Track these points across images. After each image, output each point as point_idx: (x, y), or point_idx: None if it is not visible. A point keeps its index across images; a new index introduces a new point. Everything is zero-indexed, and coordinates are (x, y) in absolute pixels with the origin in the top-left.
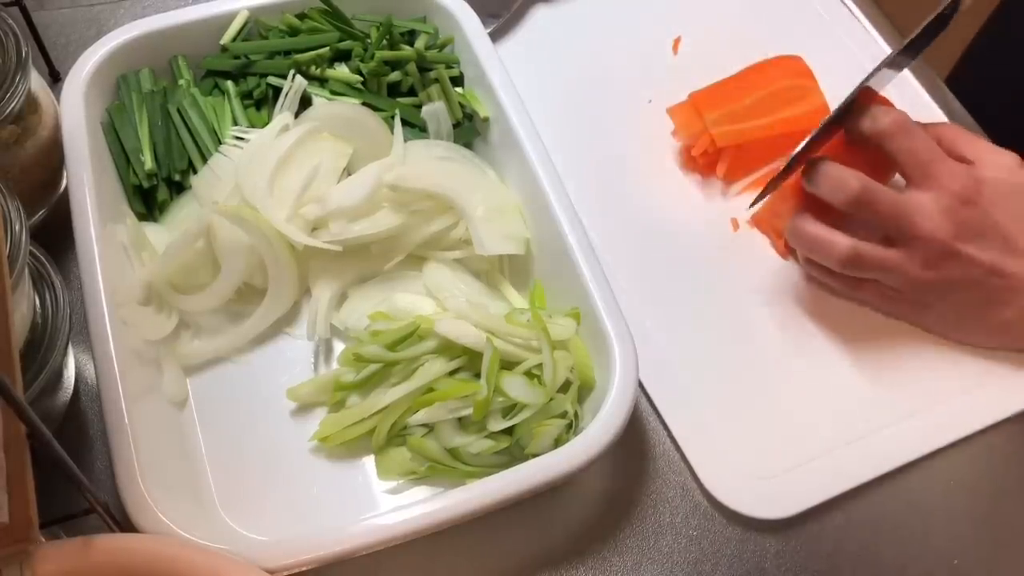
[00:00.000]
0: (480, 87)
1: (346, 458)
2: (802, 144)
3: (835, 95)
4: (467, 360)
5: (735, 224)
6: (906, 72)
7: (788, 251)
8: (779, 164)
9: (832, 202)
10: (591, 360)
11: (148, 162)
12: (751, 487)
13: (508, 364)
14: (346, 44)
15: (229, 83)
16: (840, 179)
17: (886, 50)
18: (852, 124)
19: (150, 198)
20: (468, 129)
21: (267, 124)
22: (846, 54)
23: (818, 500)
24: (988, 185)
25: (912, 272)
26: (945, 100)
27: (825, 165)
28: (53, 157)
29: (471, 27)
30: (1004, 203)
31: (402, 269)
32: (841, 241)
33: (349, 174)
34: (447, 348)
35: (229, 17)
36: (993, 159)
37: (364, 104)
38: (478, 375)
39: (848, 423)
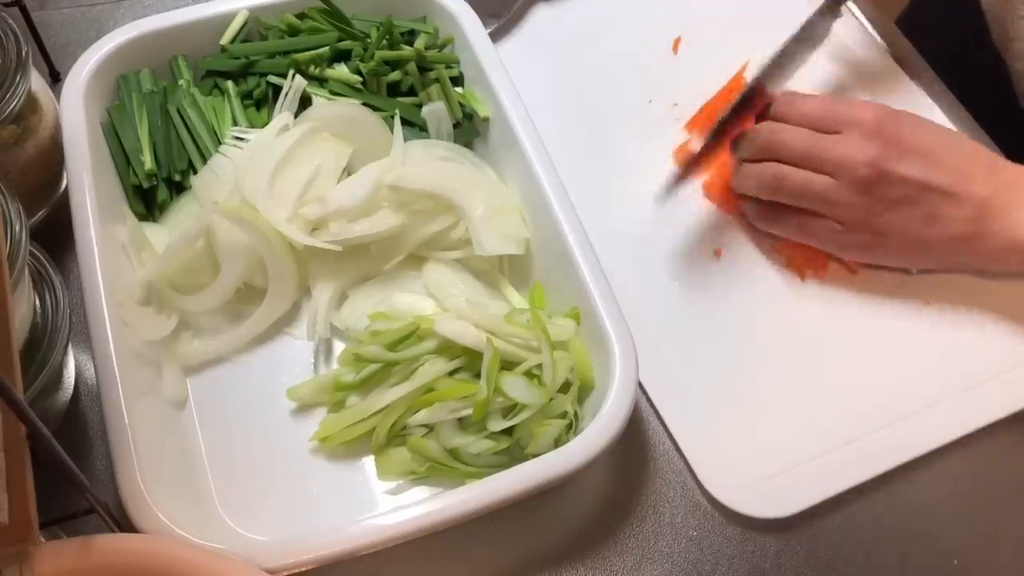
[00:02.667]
0: (480, 87)
1: (346, 458)
2: (713, 130)
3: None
4: (467, 360)
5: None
6: (858, 15)
7: (736, 207)
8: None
9: (763, 193)
10: (591, 360)
11: (148, 162)
12: (750, 487)
13: (508, 364)
14: (346, 44)
15: (229, 83)
16: (757, 174)
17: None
18: (736, 154)
19: (150, 198)
20: (468, 129)
21: (267, 124)
22: (845, 52)
23: (818, 500)
24: (894, 113)
25: (845, 197)
26: (897, 42)
27: (742, 170)
28: (53, 157)
29: (471, 27)
30: (913, 125)
31: (402, 269)
32: (767, 167)
33: (349, 174)
34: (447, 348)
35: (229, 17)
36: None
37: (364, 104)
38: (478, 375)
39: (848, 423)
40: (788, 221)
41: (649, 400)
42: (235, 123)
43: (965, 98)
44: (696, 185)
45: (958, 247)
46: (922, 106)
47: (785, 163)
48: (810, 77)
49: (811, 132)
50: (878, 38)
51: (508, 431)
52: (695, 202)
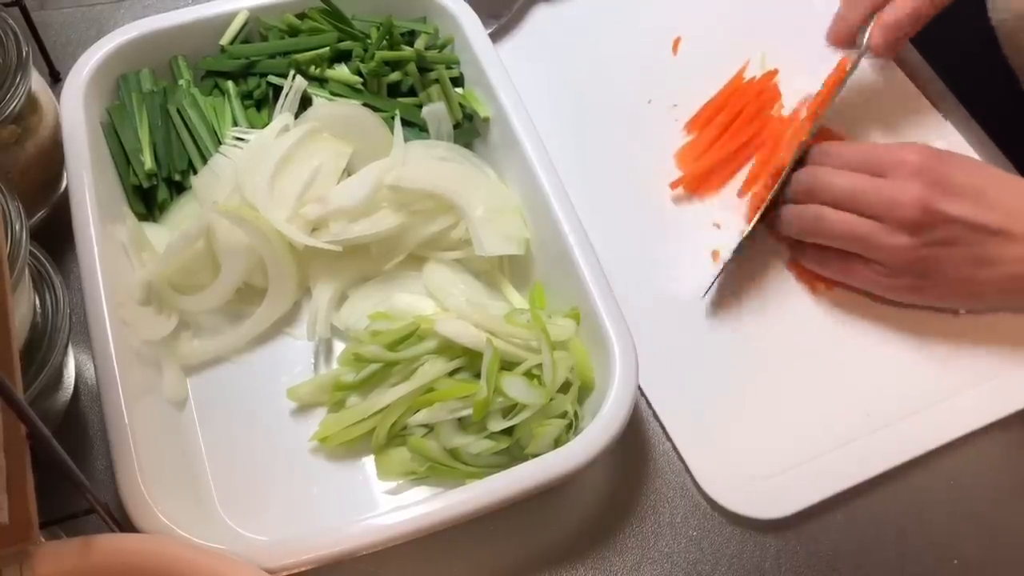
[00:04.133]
0: (480, 87)
1: (346, 458)
2: (766, 204)
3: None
4: (467, 360)
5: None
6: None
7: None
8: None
9: (804, 236)
10: (591, 360)
11: (148, 162)
12: (749, 487)
13: (508, 364)
14: (346, 44)
15: (229, 83)
16: (799, 216)
17: None
18: (783, 197)
19: (150, 198)
20: (468, 129)
21: (267, 124)
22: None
23: (817, 500)
24: (939, 153)
25: (890, 240)
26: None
27: (783, 212)
28: (53, 157)
29: (471, 27)
30: (960, 164)
31: (402, 269)
32: (809, 208)
33: (349, 174)
34: (447, 348)
35: (229, 17)
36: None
37: (364, 104)
38: (478, 375)
39: (847, 423)
40: (831, 264)
41: (647, 401)
42: (235, 123)
43: (976, 113)
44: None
45: (1010, 288)
46: (947, 135)
47: (830, 207)
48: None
49: (855, 174)
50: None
51: (508, 431)
52: (694, 202)
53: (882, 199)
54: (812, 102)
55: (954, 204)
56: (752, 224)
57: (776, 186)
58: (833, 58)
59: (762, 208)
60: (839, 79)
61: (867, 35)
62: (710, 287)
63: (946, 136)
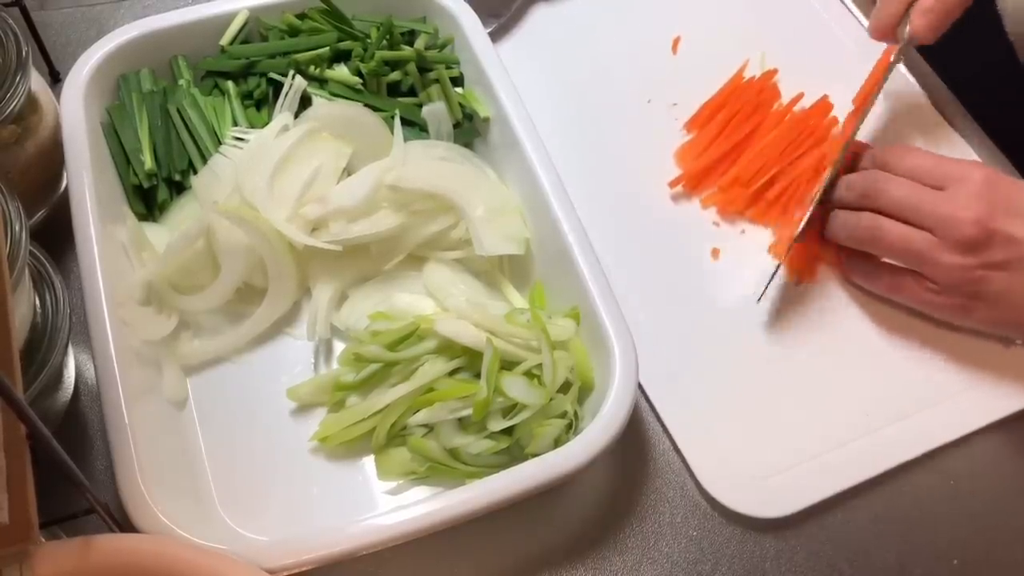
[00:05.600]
0: (480, 87)
1: (346, 458)
2: (810, 210)
3: (835, 96)
4: (467, 360)
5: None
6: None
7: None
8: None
9: (855, 244)
10: (591, 360)
11: (148, 162)
12: (749, 487)
13: (508, 364)
14: (346, 44)
15: (229, 83)
16: (853, 224)
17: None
18: (834, 199)
19: (150, 198)
20: (468, 129)
21: (267, 124)
22: (845, 54)
23: (817, 499)
24: (1003, 176)
25: (945, 257)
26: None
27: (836, 216)
28: (53, 157)
29: (471, 27)
30: (1023, 188)
31: (402, 269)
32: (864, 217)
33: (349, 174)
34: (447, 348)
35: (229, 17)
36: (973, 163)
37: (364, 104)
38: (478, 375)
39: (847, 423)
40: (880, 276)
41: (648, 400)
42: (235, 123)
43: (988, 128)
44: (694, 186)
45: None
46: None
47: (883, 214)
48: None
49: (915, 184)
50: (911, 77)
51: (508, 431)
52: (694, 202)
53: (941, 214)
54: (856, 96)
55: (1014, 225)
56: (802, 226)
57: (821, 186)
58: (833, 59)
59: (809, 210)
60: (883, 72)
61: (907, 26)
62: (763, 292)
63: (961, 154)
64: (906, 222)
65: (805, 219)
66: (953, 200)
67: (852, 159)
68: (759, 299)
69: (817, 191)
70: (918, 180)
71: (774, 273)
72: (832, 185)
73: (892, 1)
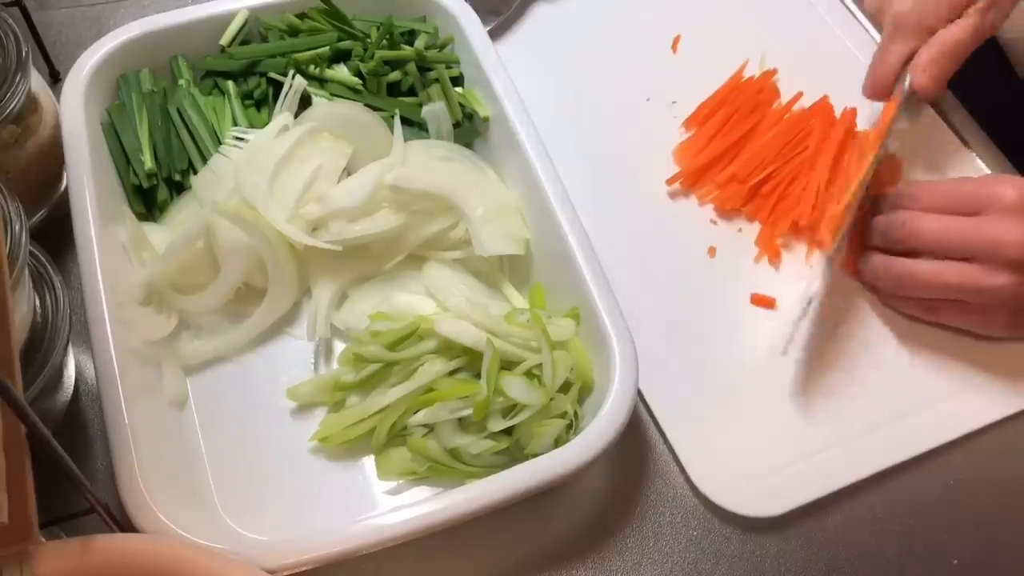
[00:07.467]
0: (480, 87)
1: (346, 458)
2: (847, 221)
3: (834, 96)
4: (467, 360)
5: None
6: None
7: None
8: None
9: (889, 289)
10: (591, 360)
11: (148, 162)
12: (747, 486)
13: (508, 364)
14: (346, 44)
15: (229, 83)
16: (883, 274)
17: None
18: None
19: (150, 198)
20: (468, 129)
21: (267, 124)
22: (846, 54)
23: (815, 496)
24: None
25: (990, 282)
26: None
27: (869, 261)
28: (53, 157)
29: (471, 27)
30: None
31: (402, 269)
32: (892, 266)
33: (349, 174)
34: (447, 348)
35: (229, 17)
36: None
37: (364, 104)
38: (478, 375)
39: (846, 422)
40: (917, 310)
41: (644, 400)
42: (235, 123)
43: (1001, 143)
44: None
45: None
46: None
47: (922, 253)
48: None
49: (949, 217)
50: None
51: (508, 431)
52: (692, 199)
53: (984, 240)
54: (872, 133)
55: None
56: (826, 263)
57: (845, 225)
58: (834, 59)
59: (832, 251)
60: (886, 126)
61: (906, 80)
62: (788, 343)
63: (964, 158)
64: (944, 255)
65: (827, 260)
66: (994, 225)
67: (874, 201)
68: (783, 352)
69: (843, 231)
70: (947, 210)
71: (802, 314)
72: (859, 204)
73: (887, 59)
